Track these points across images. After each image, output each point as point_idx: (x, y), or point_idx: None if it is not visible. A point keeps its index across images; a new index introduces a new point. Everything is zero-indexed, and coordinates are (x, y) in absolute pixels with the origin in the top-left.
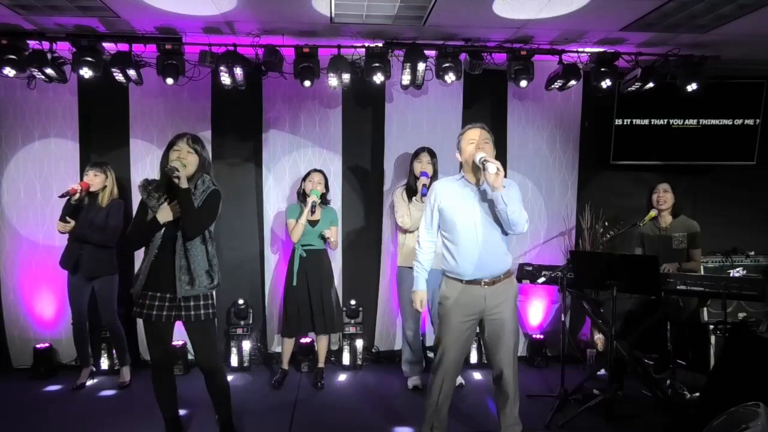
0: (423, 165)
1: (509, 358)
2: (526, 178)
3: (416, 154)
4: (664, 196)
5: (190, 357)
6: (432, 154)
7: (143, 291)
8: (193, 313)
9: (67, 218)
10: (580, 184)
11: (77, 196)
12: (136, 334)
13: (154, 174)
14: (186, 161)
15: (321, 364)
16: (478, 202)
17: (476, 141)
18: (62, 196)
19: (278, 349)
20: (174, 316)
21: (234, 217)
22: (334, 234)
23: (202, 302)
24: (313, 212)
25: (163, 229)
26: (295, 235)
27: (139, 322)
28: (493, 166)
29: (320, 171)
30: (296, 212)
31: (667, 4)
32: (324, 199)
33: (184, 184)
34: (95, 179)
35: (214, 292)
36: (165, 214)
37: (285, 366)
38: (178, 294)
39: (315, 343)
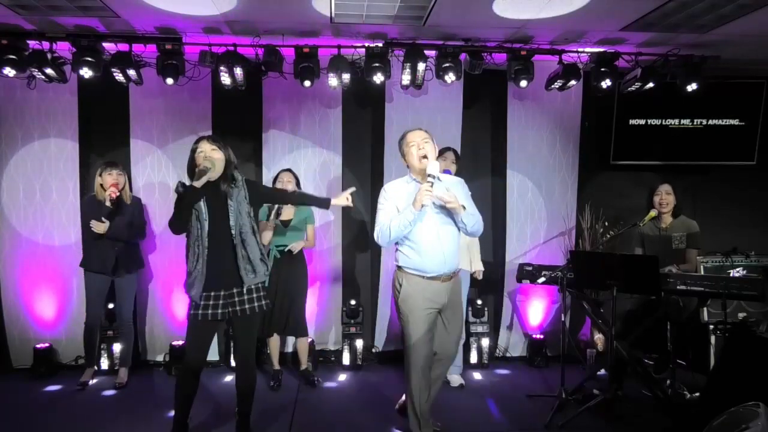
0: (447, 164)
1: (457, 340)
2: (526, 178)
3: (440, 153)
4: (666, 198)
5: None
6: (457, 156)
7: (203, 293)
8: (251, 305)
9: (103, 219)
10: (580, 185)
11: (115, 198)
12: (136, 335)
13: (155, 173)
14: (213, 159)
15: (303, 366)
16: (432, 202)
17: (416, 142)
18: (111, 204)
19: None
20: (226, 313)
21: None
22: (309, 236)
23: (256, 294)
24: (279, 214)
25: (207, 229)
26: (264, 237)
27: (142, 322)
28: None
29: (289, 170)
30: (266, 213)
31: (667, 4)
32: None
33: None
34: (120, 179)
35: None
36: (203, 180)
37: (276, 366)
38: (245, 284)
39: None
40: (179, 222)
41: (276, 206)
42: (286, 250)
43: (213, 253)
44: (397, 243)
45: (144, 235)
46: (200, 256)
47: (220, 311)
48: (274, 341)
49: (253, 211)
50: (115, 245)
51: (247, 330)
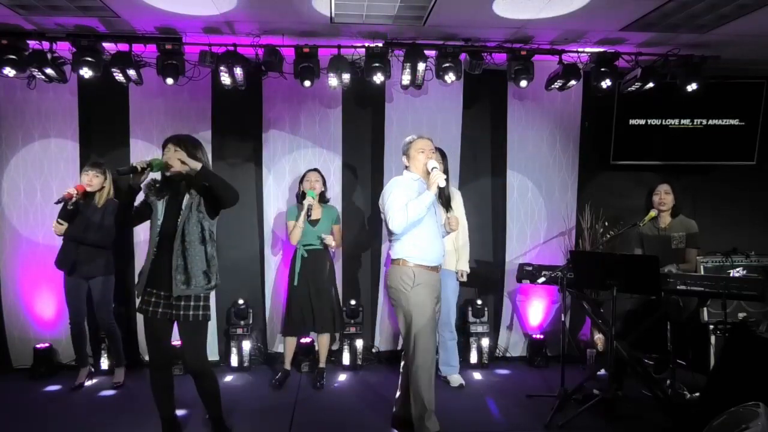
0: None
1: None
2: (526, 178)
3: None
4: (666, 198)
5: None
6: (443, 155)
7: (145, 288)
8: (186, 313)
9: (60, 221)
10: (580, 184)
11: (73, 200)
12: (136, 335)
13: (155, 174)
14: (171, 161)
15: (322, 364)
16: (434, 202)
17: (426, 151)
18: (58, 203)
19: (279, 349)
20: (170, 314)
21: (234, 217)
22: (336, 236)
23: (193, 303)
24: (309, 215)
25: (159, 227)
26: (294, 237)
27: (140, 321)
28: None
29: (316, 170)
30: (295, 214)
31: (667, 4)
32: (323, 198)
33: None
34: (95, 180)
35: (211, 294)
36: (135, 180)
37: (287, 366)
38: (173, 293)
39: (315, 343)
40: (116, 216)
41: (306, 207)
42: (322, 242)
43: (160, 252)
44: (393, 235)
45: (110, 239)
46: (150, 253)
47: (161, 310)
48: (292, 341)
49: (209, 220)
50: (77, 247)
51: (191, 337)
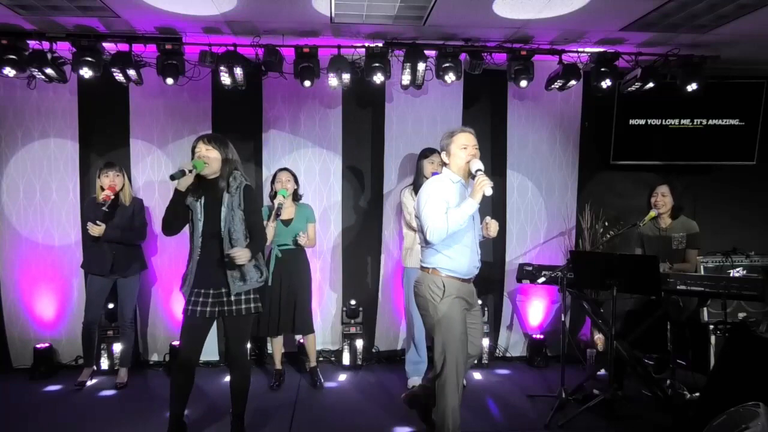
0: (435, 166)
1: (482, 335)
2: (526, 178)
3: (426, 155)
4: (663, 199)
5: None
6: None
7: (192, 289)
8: (247, 306)
9: (98, 222)
10: (580, 184)
11: (109, 201)
12: (137, 335)
13: (155, 173)
14: (208, 159)
15: (312, 363)
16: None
17: (469, 147)
18: (103, 206)
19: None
20: (218, 312)
21: None
22: (310, 234)
23: (248, 296)
24: (279, 215)
25: (201, 228)
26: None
27: (142, 321)
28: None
29: (286, 169)
30: (267, 214)
31: (667, 4)
32: (296, 196)
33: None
34: (118, 180)
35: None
36: (183, 183)
37: (278, 366)
38: (232, 291)
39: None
40: (165, 222)
41: (276, 206)
42: (296, 242)
43: (204, 253)
44: (428, 244)
45: (144, 236)
46: (193, 254)
47: (209, 309)
48: (278, 341)
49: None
50: (112, 248)
51: (238, 331)
